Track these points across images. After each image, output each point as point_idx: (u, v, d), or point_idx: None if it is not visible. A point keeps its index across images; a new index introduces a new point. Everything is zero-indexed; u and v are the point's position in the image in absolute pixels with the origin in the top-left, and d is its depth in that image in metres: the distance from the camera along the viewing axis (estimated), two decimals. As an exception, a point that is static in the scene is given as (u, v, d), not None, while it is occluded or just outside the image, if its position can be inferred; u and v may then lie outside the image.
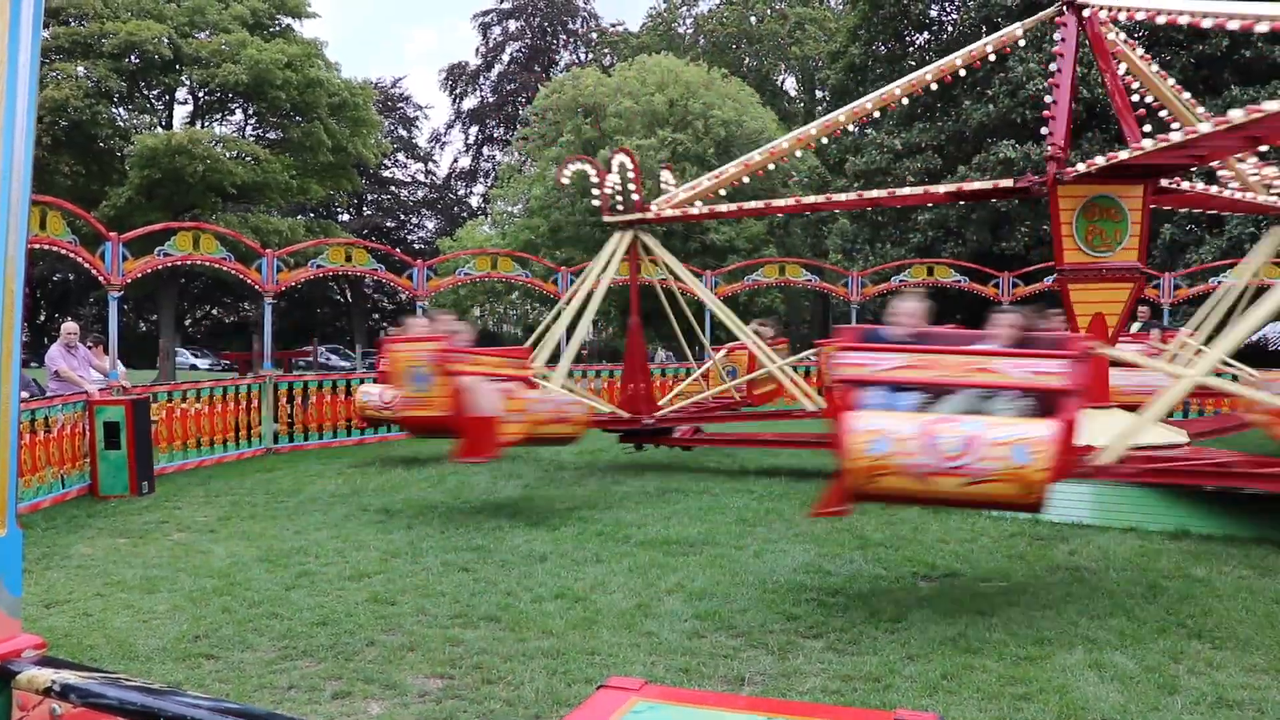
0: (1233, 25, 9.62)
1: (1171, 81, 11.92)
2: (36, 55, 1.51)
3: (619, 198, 12.47)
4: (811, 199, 12.70)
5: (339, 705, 4.62)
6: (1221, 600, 6.18)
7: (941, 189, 11.90)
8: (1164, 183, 10.75)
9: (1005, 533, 8.16)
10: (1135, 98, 11.62)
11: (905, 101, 12.92)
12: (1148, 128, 11.30)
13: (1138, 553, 7.44)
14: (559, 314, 12.55)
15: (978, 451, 5.15)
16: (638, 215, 12.35)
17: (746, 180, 12.98)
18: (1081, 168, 10.10)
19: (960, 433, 5.22)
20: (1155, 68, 11.90)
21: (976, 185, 12.54)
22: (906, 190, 11.47)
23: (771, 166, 13.26)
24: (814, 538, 8.07)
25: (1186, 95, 11.86)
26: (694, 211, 12.89)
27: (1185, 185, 11.60)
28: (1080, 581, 6.67)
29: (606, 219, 12.66)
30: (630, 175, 12.30)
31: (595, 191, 12.79)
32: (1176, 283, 19.32)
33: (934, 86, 12.82)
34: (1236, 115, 7.65)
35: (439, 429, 9.24)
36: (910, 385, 5.69)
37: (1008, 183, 11.60)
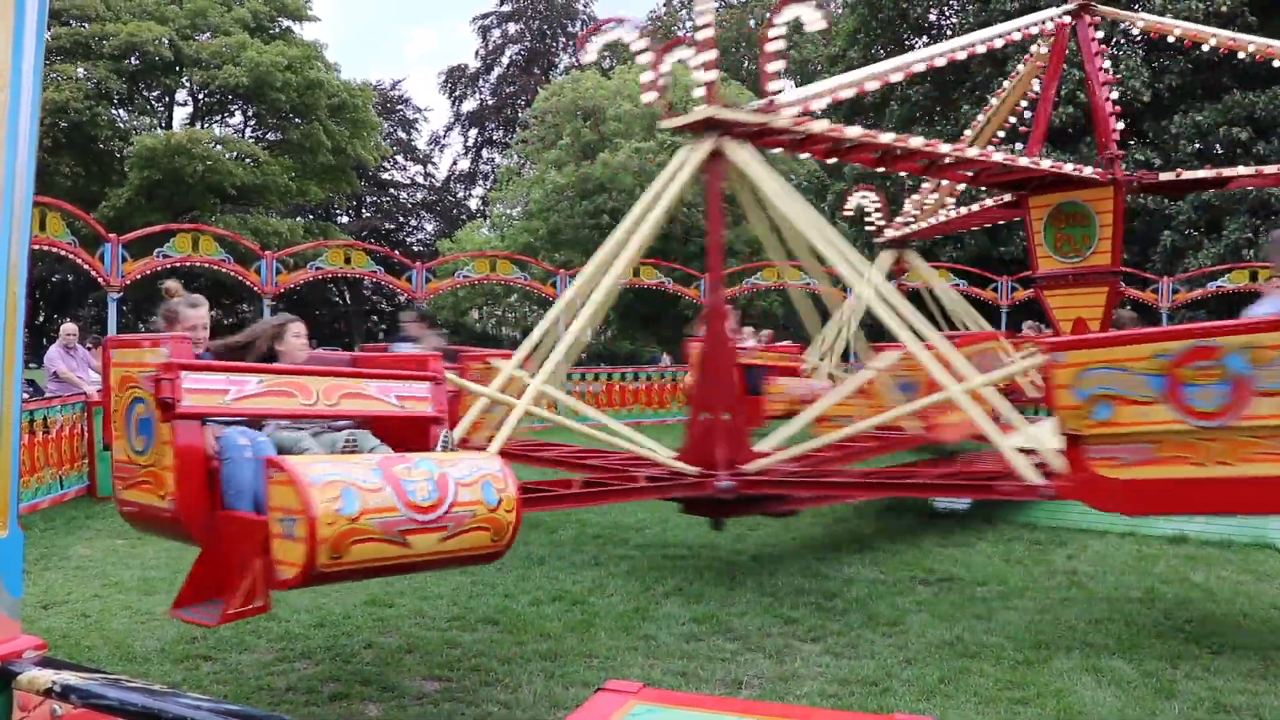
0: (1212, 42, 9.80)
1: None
2: (39, 63, 1.52)
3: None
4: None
5: (337, 707, 4.62)
6: (1219, 605, 6.18)
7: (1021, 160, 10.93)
8: (1163, 177, 10.73)
9: (1003, 537, 8.17)
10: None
11: (904, 91, 12.90)
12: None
13: (1135, 557, 7.45)
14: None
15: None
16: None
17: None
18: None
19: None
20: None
21: (984, 209, 12.43)
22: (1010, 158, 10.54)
23: None
24: (812, 541, 8.08)
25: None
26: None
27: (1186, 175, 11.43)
28: (1078, 586, 6.67)
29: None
30: (877, 205, 13.93)
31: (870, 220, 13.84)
32: (1175, 287, 19.35)
33: (928, 79, 12.74)
34: None
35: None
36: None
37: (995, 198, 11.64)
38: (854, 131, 7.84)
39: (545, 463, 8.33)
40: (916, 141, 8.59)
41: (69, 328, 11.74)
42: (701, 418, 7.41)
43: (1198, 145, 21.44)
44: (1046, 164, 10.05)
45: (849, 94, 8.50)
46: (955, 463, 8.52)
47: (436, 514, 3.87)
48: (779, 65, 7.34)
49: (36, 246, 10.96)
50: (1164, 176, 10.36)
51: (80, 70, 32.02)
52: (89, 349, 12.30)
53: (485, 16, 56.67)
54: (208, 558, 4.26)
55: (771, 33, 7.36)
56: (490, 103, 57.14)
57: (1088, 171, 9.99)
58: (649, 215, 7.47)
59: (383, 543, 3.74)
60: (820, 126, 7.53)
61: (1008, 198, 11.22)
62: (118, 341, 4.48)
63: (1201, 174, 10.81)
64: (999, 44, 10.68)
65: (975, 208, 12.60)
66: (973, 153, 9.35)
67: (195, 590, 4.31)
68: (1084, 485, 5.53)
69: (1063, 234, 10.28)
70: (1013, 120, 11.94)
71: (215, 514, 4.14)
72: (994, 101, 12.37)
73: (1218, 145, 21.39)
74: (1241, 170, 10.57)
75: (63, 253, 11.65)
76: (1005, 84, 12.21)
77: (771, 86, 7.33)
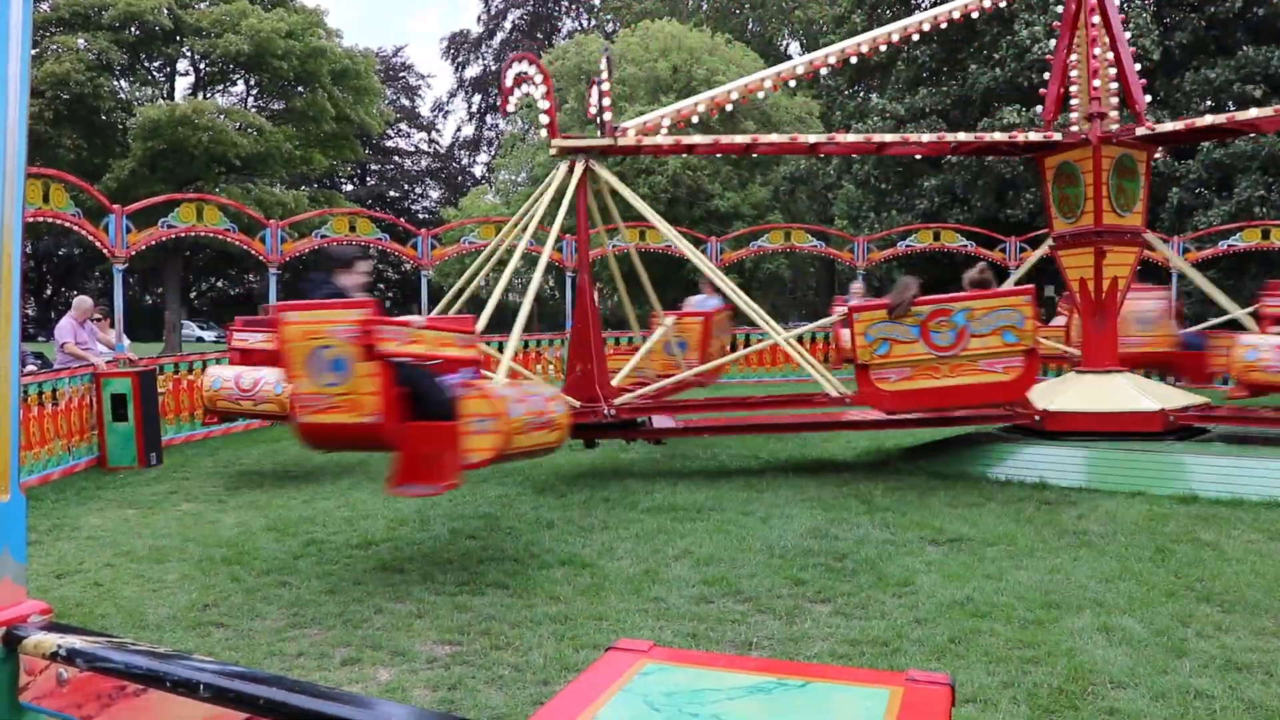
0: None
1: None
2: (29, 11, 1.48)
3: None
4: (814, 138, 11.51)
5: (348, 672, 4.64)
6: (1230, 564, 6.17)
7: (959, 136, 11.31)
8: (1139, 132, 10.59)
9: (1013, 497, 8.16)
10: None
11: (911, 52, 12.96)
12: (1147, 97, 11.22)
13: (1146, 516, 7.43)
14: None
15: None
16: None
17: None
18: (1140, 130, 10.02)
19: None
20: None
21: (996, 136, 12.24)
22: (929, 137, 11.18)
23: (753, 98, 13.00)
24: (821, 503, 8.08)
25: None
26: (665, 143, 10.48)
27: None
28: (1088, 545, 6.66)
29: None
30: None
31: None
32: (1186, 246, 19.22)
33: (935, 39, 12.61)
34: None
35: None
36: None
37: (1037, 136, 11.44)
38: (666, 141, 10.37)
39: None
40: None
41: (83, 302, 11.71)
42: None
43: (1210, 103, 21.21)
44: (965, 136, 11.24)
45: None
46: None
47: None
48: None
49: (42, 219, 10.92)
50: (1140, 132, 10.17)
51: (81, 41, 31.85)
52: (97, 320, 12.32)
53: (487, -20, 56.23)
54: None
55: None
56: (493, 68, 56.80)
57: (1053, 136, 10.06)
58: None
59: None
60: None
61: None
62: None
63: (1170, 126, 10.60)
64: (957, 15, 10.81)
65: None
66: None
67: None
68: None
69: (1063, 194, 10.25)
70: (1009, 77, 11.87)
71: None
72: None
73: (1230, 103, 21.15)
74: (1210, 119, 10.42)
75: (67, 225, 11.62)
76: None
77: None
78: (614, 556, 6.55)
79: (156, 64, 36.35)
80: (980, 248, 20.23)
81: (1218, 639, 4.83)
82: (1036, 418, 9.52)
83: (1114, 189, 9.98)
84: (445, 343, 6.49)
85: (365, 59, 36.76)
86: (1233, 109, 20.33)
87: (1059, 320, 13.77)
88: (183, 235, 14.45)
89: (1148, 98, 10.38)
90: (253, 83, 36.96)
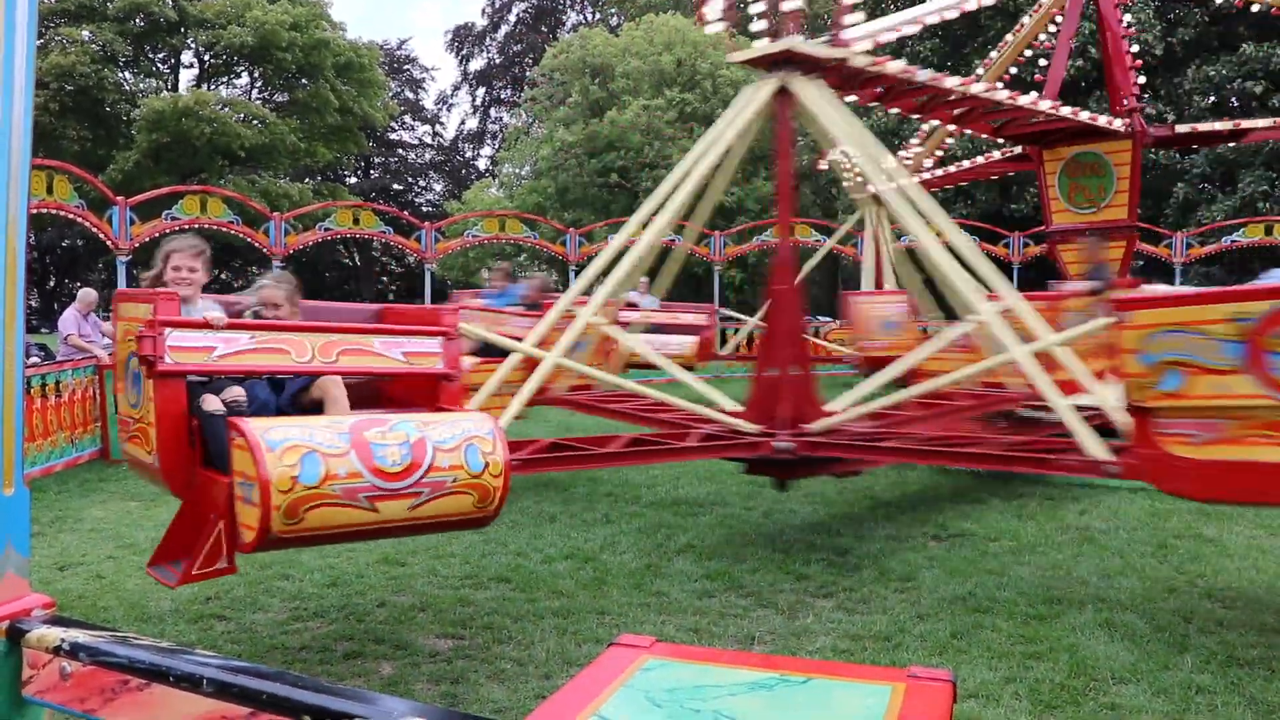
0: None
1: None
2: (34, 4, 1.48)
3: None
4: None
5: (350, 665, 4.65)
6: (1232, 560, 6.17)
7: (956, 167, 11.73)
8: (1180, 129, 10.64)
9: (1015, 493, 8.16)
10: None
11: (915, 47, 13.14)
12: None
13: (1148, 512, 7.43)
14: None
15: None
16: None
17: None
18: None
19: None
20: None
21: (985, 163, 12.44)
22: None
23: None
24: (824, 498, 8.08)
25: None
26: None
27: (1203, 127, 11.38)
28: (1090, 541, 6.66)
29: None
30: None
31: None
32: (1189, 241, 19.18)
33: (938, 33, 12.73)
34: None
35: None
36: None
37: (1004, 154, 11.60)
38: (925, 75, 7.70)
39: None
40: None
41: (88, 294, 11.71)
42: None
43: (1212, 99, 21.17)
44: (1085, 115, 9.80)
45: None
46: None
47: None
48: None
49: (45, 210, 10.94)
50: (1181, 129, 10.24)
51: (86, 33, 31.85)
52: (107, 316, 12.38)
53: (491, -26, 56.07)
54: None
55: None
56: (498, 62, 56.69)
57: (1117, 123, 9.89)
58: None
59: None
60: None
61: (1016, 150, 11.19)
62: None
63: (1218, 125, 10.68)
64: None
65: (981, 160, 12.61)
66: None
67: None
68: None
69: (1078, 185, 10.22)
70: (1015, 72, 11.89)
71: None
72: (993, 54, 12.33)
73: (1233, 99, 21.09)
74: (1260, 122, 10.44)
75: (71, 216, 11.63)
76: (1008, 37, 12.14)
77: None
78: (616, 550, 6.55)
79: (161, 56, 36.35)
80: (984, 243, 20.21)
81: (1219, 635, 4.83)
82: None
83: (1065, 188, 9.99)
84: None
85: (369, 52, 36.78)
86: (1234, 105, 20.30)
87: None
88: (186, 227, 14.46)
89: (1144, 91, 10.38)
90: (256, 75, 36.96)
